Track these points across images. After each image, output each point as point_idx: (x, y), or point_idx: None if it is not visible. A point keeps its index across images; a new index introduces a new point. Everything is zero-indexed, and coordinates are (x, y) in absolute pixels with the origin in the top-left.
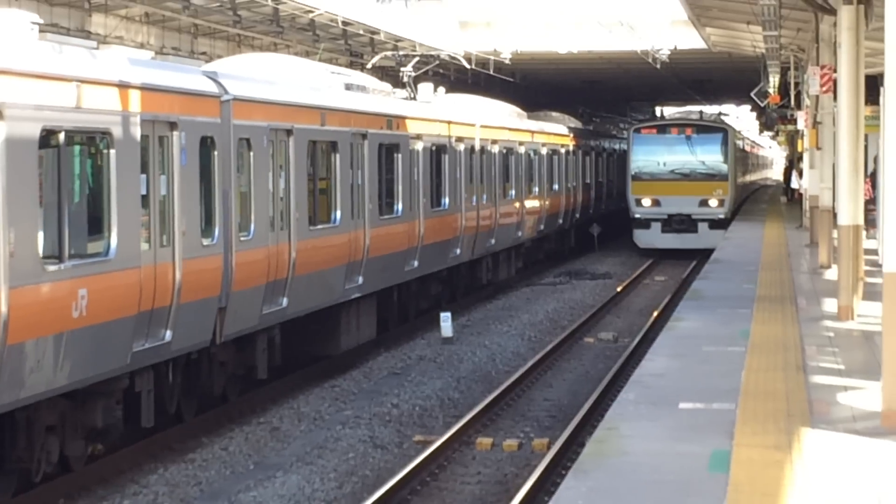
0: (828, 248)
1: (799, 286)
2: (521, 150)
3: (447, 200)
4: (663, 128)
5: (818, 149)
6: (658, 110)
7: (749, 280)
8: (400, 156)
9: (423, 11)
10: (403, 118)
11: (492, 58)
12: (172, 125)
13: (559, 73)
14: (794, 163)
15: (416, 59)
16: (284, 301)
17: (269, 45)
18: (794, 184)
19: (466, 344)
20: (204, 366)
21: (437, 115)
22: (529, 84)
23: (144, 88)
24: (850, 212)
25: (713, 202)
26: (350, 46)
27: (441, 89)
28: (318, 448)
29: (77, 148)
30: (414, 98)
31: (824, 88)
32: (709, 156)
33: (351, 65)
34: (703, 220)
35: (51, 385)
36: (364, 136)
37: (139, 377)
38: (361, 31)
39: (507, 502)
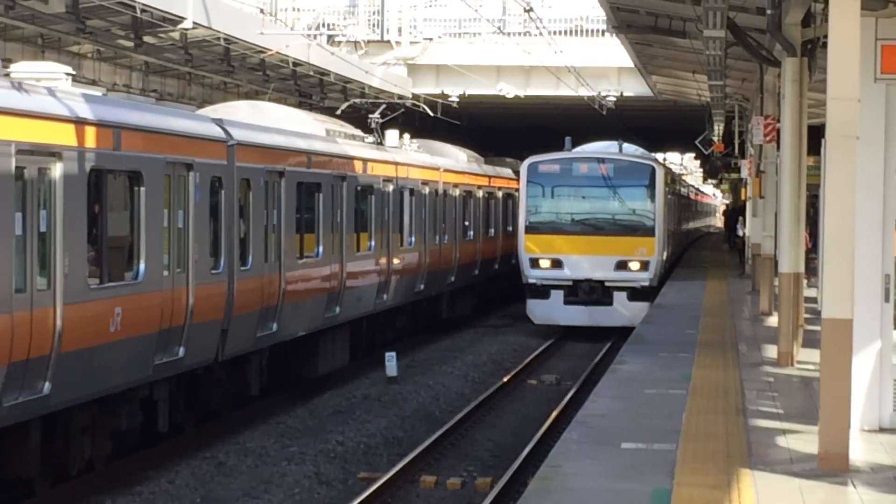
0: (769, 295)
1: (740, 332)
2: (479, 193)
3: (413, 239)
4: (568, 163)
5: (761, 197)
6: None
7: (691, 325)
8: (373, 197)
9: (373, 54)
10: (376, 162)
11: (439, 101)
12: (189, 166)
13: (506, 118)
14: (736, 210)
15: (384, 105)
16: (275, 326)
17: (220, 84)
18: (739, 231)
19: (411, 384)
20: (204, 382)
21: (405, 160)
22: (476, 127)
23: (168, 134)
24: (791, 260)
25: (634, 265)
26: (300, 87)
27: (406, 136)
28: (265, 483)
29: (116, 186)
30: (381, 143)
31: (768, 138)
32: (630, 202)
33: (300, 105)
34: (620, 289)
35: (90, 389)
36: (343, 178)
37: (157, 387)
38: (311, 73)
39: None
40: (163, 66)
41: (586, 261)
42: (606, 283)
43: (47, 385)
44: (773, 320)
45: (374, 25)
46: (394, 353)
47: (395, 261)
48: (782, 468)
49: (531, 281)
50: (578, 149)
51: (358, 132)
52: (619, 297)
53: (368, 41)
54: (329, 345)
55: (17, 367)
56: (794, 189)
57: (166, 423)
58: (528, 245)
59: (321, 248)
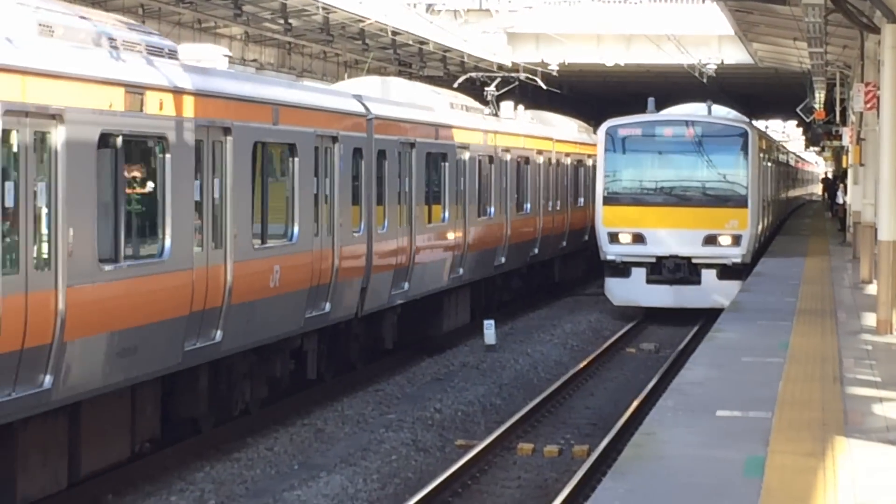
0: (870, 262)
1: (840, 300)
2: (590, 162)
3: (529, 206)
4: (651, 126)
5: (862, 165)
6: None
7: (790, 293)
8: (493, 166)
9: (472, 23)
10: (495, 133)
11: (539, 69)
12: (334, 139)
13: (606, 86)
14: (837, 178)
15: (499, 79)
16: (406, 285)
17: (319, 53)
18: (840, 199)
19: (509, 351)
20: (344, 336)
21: (521, 130)
22: (577, 96)
23: (317, 110)
24: (890, 227)
25: (725, 239)
26: (399, 56)
27: (520, 107)
28: (362, 450)
29: (274, 157)
30: (496, 115)
31: (868, 105)
32: (720, 169)
33: (399, 73)
34: (708, 266)
35: (253, 338)
36: (466, 148)
37: (307, 338)
38: (410, 42)
39: None
40: (262, 36)
41: (671, 235)
42: (694, 260)
43: (219, 333)
44: (872, 288)
45: None
46: (492, 322)
47: (512, 226)
48: (878, 436)
49: (610, 258)
50: (664, 111)
51: (476, 104)
52: (708, 276)
53: (468, 10)
54: (453, 304)
55: (195, 316)
56: (894, 156)
57: (314, 372)
58: (606, 217)
59: (447, 214)
